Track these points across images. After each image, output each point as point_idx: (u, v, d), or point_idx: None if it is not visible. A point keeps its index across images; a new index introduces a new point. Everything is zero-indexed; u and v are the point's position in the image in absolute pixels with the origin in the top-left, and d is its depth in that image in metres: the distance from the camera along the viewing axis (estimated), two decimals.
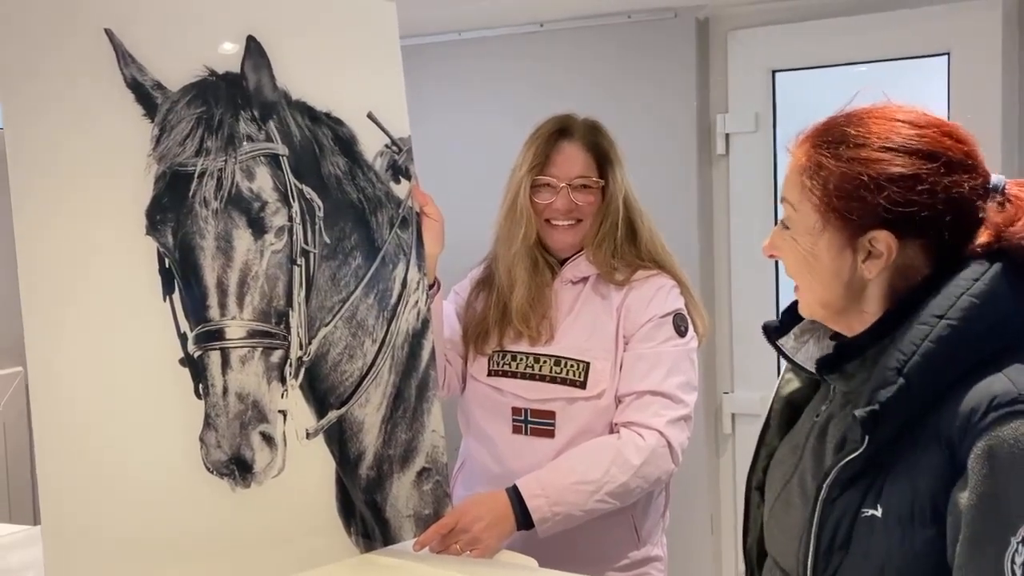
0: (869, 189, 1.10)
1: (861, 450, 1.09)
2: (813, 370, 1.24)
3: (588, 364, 1.90)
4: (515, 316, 1.94)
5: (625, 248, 1.95)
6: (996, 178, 1.13)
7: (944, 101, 2.64)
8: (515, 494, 1.76)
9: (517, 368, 1.95)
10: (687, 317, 1.94)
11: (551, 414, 1.90)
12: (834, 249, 1.15)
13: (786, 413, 1.32)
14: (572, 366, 1.91)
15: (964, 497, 1.02)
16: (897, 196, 1.09)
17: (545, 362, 1.93)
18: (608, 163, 1.97)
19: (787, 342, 1.28)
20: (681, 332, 1.92)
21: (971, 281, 1.07)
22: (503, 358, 1.96)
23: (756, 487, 1.34)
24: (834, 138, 1.15)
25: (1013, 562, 0.98)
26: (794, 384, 1.33)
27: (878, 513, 1.09)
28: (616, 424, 1.89)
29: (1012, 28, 2.57)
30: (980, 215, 1.11)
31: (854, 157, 1.12)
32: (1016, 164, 2.57)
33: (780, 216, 1.23)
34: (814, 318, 1.23)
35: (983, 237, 1.10)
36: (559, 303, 1.96)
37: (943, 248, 1.11)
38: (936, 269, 1.11)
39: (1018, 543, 0.98)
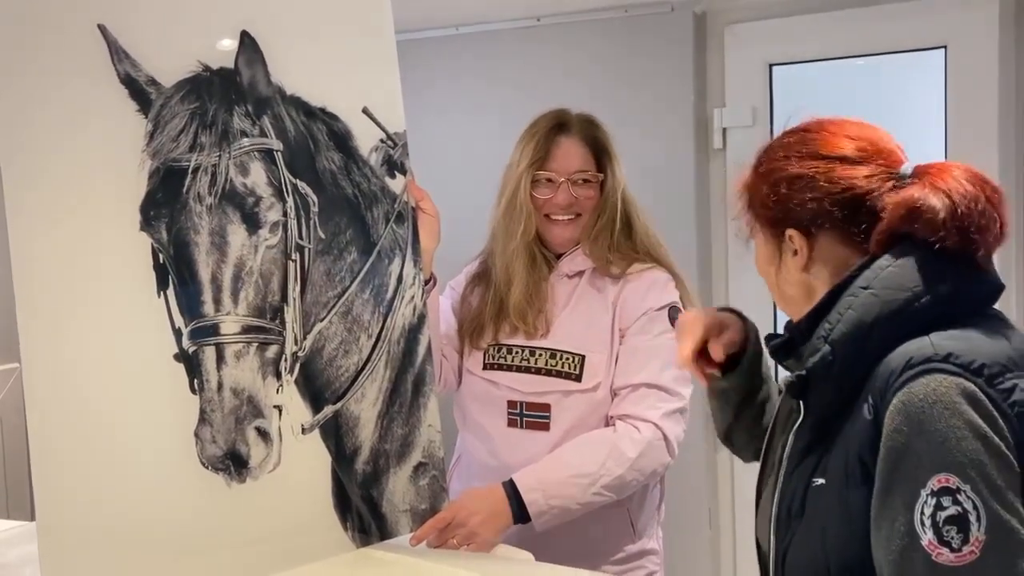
0: (768, 194, 1.21)
1: (802, 418, 1.17)
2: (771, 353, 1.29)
3: (583, 357, 1.90)
4: (512, 312, 1.94)
5: (621, 242, 1.95)
6: (904, 166, 1.17)
7: (941, 95, 2.64)
8: (511, 488, 1.76)
9: (512, 361, 1.95)
10: (682, 310, 1.94)
11: (546, 407, 1.90)
12: (769, 254, 1.25)
13: (792, 419, 1.33)
14: (567, 359, 1.91)
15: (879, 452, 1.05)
16: (788, 196, 1.19)
17: (540, 355, 1.93)
18: (606, 157, 1.97)
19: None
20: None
21: (898, 256, 1.12)
22: (498, 352, 1.96)
23: None
24: (754, 159, 1.27)
25: (923, 513, 1.00)
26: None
27: (824, 481, 1.13)
28: (612, 417, 1.89)
29: (1009, 22, 2.56)
30: (880, 202, 1.15)
31: (761, 171, 1.24)
32: (1013, 157, 2.57)
33: None
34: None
35: (883, 223, 1.14)
36: (555, 297, 1.96)
37: (859, 235, 1.16)
38: (872, 255, 1.15)
39: (927, 495, 1.00)
